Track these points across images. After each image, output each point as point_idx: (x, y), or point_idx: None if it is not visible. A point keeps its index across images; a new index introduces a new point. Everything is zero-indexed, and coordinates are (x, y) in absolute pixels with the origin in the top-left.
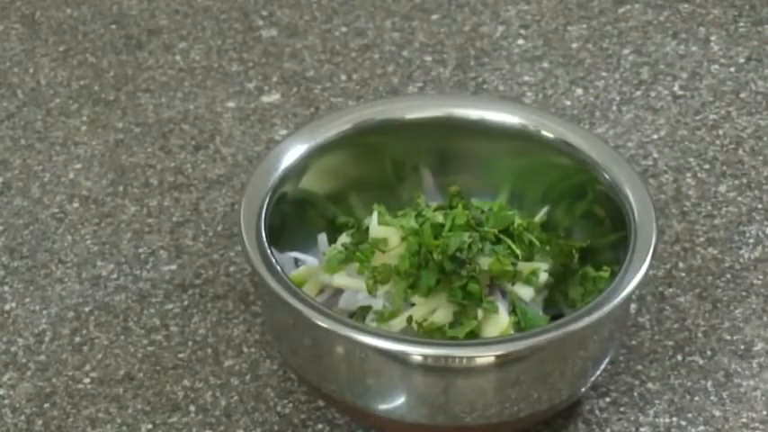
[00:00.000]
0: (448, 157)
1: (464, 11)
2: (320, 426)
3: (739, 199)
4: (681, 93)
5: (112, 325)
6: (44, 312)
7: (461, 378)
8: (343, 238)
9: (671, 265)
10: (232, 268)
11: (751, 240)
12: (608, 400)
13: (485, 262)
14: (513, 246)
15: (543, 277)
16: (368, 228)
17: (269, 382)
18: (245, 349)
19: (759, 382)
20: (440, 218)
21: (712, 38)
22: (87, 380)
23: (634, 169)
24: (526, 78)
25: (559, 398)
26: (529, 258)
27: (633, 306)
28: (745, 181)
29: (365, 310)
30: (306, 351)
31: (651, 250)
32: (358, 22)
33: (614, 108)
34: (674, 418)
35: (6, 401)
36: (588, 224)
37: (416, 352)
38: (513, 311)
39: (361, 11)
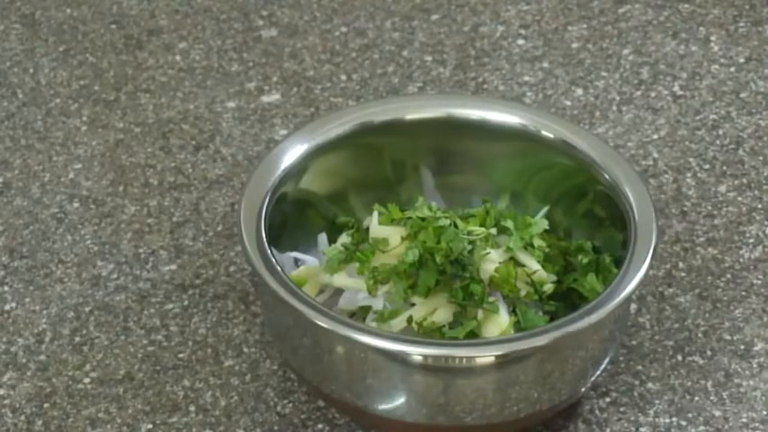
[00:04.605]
0: (448, 157)
1: (464, 11)
2: (320, 426)
3: (739, 199)
4: (681, 93)
5: (112, 325)
6: (44, 312)
7: (461, 378)
8: (343, 238)
9: (671, 265)
10: (232, 268)
11: (751, 240)
12: (608, 400)
13: (488, 268)
14: (521, 254)
15: (549, 288)
16: (368, 228)
17: (269, 382)
18: (245, 349)
19: (759, 382)
20: (443, 221)
21: (712, 38)
22: (87, 380)
23: (634, 169)
24: (526, 78)
25: (559, 398)
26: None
27: (633, 306)
28: (745, 181)
29: (365, 310)
30: (306, 351)
31: (651, 250)
32: (358, 22)
33: (614, 108)
34: (674, 418)
35: (6, 401)
36: (588, 224)
37: (416, 352)
38: (513, 311)
39: (361, 11)
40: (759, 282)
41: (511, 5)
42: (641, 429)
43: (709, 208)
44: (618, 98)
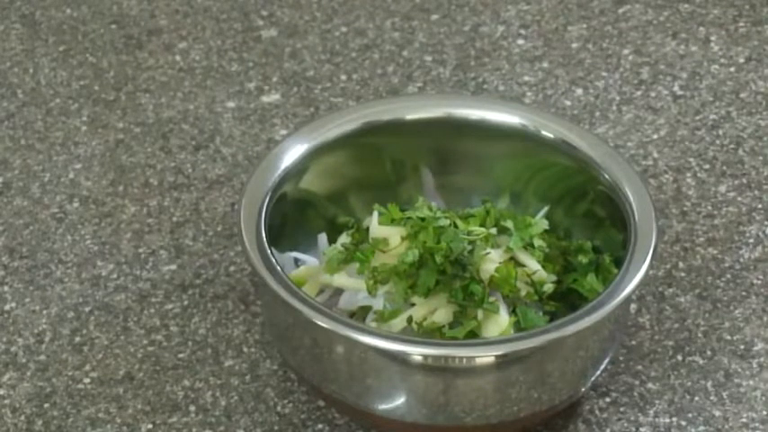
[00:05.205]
0: (448, 157)
1: (464, 11)
2: (320, 426)
3: (739, 199)
4: (681, 93)
5: (112, 325)
6: (44, 312)
7: (461, 378)
8: (343, 238)
9: (671, 265)
10: (232, 268)
11: (751, 240)
12: (608, 400)
13: (488, 268)
14: (523, 255)
15: (549, 288)
16: (368, 228)
17: (269, 382)
18: (245, 349)
19: (759, 382)
20: (443, 221)
21: (712, 38)
22: (87, 380)
23: (634, 169)
24: (526, 78)
25: (559, 398)
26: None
27: (633, 306)
28: (745, 181)
29: (365, 310)
30: (306, 351)
31: (651, 250)
32: (358, 22)
33: (614, 108)
34: (674, 418)
35: (6, 401)
36: (588, 224)
37: (416, 352)
38: (513, 311)
39: (361, 11)
40: (759, 282)
41: (511, 5)
42: (641, 429)
43: (710, 208)
44: (618, 98)
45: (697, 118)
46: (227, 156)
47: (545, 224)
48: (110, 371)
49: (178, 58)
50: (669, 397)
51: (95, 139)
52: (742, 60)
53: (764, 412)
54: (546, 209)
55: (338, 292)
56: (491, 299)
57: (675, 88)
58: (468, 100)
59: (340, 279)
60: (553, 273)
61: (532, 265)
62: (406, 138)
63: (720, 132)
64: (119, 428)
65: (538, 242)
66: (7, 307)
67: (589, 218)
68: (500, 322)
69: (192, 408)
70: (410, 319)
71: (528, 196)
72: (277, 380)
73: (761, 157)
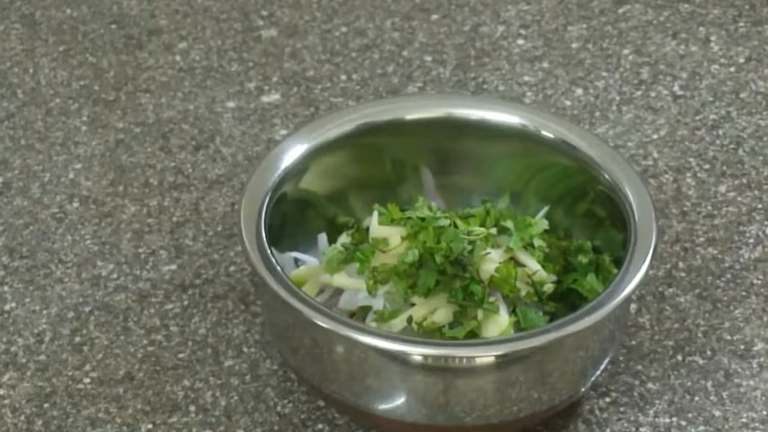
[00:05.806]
0: (448, 157)
1: (464, 11)
2: (320, 426)
3: (739, 199)
4: (681, 93)
5: (112, 325)
6: (44, 312)
7: (461, 378)
8: (343, 238)
9: (671, 265)
10: (232, 268)
11: (751, 240)
12: (608, 400)
13: (488, 268)
14: (523, 255)
15: (549, 288)
16: (368, 228)
17: (269, 382)
18: (245, 349)
19: (759, 382)
20: (443, 221)
21: (712, 38)
22: (87, 380)
23: (634, 169)
24: (526, 78)
25: (559, 398)
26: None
27: (633, 306)
28: (745, 181)
29: (365, 310)
30: (306, 351)
31: (651, 250)
32: (358, 22)
33: (614, 108)
34: (674, 418)
35: (6, 401)
36: (588, 224)
37: (416, 352)
38: (513, 311)
39: (361, 11)
40: (759, 282)
41: (511, 5)
42: (641, 429)
43: (710, 208)
44: (618, 98)
45: (697, 118)
46: (227, 156)
47: (545, 224)
48: (110, 371)
49: (178, 58)
50: (669, 397)
51: (95, 139)
52: (742, 60)
53: (764, 412)
54: (546, 209)
55: (338, 292)
56: (491, 299)
57: (675, 88)
58: (468, 100)
59: (340, 279)
60: (553, 273)
61: (532, 265)
62: (405, 138)
63: (720, 132)
64: (119, 428)
65: (538, 242)
66: (7, 307)
67: (589, 218)
68: (500, 322)
69: (192, 408)
70: (410, 319)
71: (528, 196)
72: (277, 380)
73: (761, 157)
